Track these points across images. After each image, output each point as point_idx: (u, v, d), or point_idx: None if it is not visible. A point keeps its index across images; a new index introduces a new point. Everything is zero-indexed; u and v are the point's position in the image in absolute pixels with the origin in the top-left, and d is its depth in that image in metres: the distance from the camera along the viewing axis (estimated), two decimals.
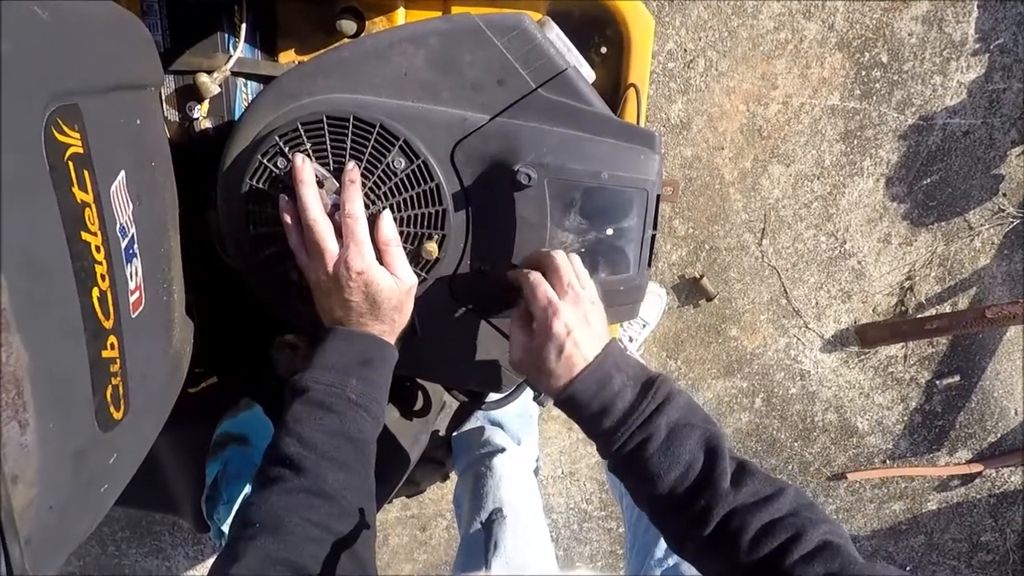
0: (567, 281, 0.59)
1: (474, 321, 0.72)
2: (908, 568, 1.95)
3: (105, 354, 0.45)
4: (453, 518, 1.67)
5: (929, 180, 1.52)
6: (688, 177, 1.49)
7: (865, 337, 1.63)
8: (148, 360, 0.55)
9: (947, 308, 1.63)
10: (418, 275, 0.66)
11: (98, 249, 0.42)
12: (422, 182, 0.64)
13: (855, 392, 1.71)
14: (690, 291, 1.58)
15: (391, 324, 0.63)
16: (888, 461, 1.78)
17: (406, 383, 0.90)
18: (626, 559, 0.99)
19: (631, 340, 1.51)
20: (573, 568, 1.84)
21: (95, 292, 0.42)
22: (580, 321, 0.58)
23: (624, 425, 0.55)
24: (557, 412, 1.70)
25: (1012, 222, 1.56)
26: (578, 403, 0.57)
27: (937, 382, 1.71)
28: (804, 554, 0.47)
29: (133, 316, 0.50)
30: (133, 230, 0.50)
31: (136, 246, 0.51)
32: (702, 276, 1.55)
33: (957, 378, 1.71)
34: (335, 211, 0.61)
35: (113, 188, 0.46)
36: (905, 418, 1.74)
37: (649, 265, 0.70)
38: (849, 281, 1.60)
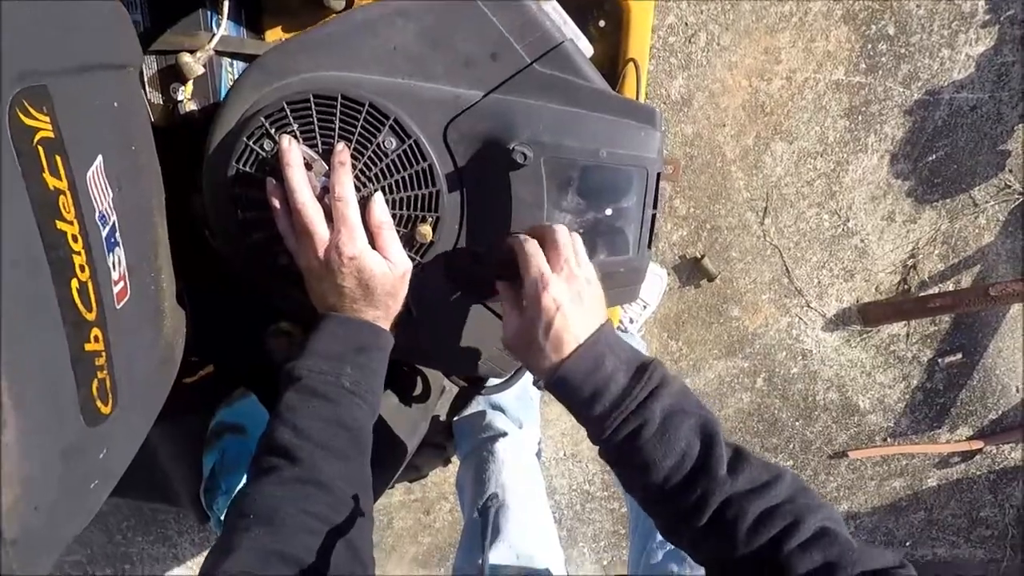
0: (564, 257, 0.57)
1: (471, 305, 0.70)
2: (908, 544, 1.97)
3: (88, 347, 0.43)
4: (457, 501, 1.67)
5: (934, 156, 1.50)
6: (689, 155, 1.47)
7: (867, 316, 1.61)
8: (136, 352, 0.53)
9: (950, 286, 1.61)
10: (412, 259, 0.64)
11: (75, 238, 0.41)
12: (414, 162, 0.62)
13: (857, 371, 1.70)
14: (691, 271, 1.56)
15: (385, 309, 0.61)
16: (889, 439, 1.78)
17: (404, 369, 0.88)
18: (629, 540, 0.99)
19: (632, 322, 1.49)
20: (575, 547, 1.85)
21: (74, 283, 0.41)
22: (572, 298, 0.56)
23: (617, 410, 0.53)
24: None
25: (1018, 199, 1.54)
26: (569, 385, 0.55)
27: (939, 360, 1.70)
28: (802, 542, 0.46)
29: (118, 307, 0.48)
30: (114, 218, 0.48)
31: (118, 234, 0.49)
32: (703, 256, 1.53)
33: (959, 356, 1.70)
34: (325, 194, 0.59)
35: (90, 174, 0.44)
36: (907, 396, 1.74)
37: (649, 246, 0.68)
38: (852, 260, 1.58)
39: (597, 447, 0.57)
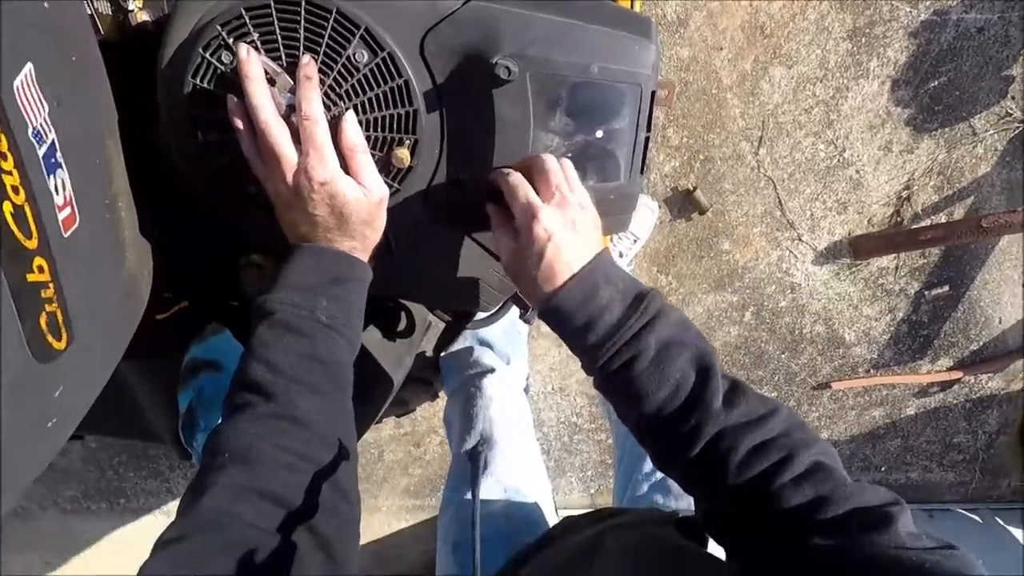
0: (554, 183, 0.54)
1: (454, 236, 0.67)
2: (883, 469, 2.04)
3: (32, 278, 0.39)
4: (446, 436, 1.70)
5: (937, 82, 1.44)
6: (684, 81, 1.40)
7: (858, 248, 1.60)
8: (93, 284, 0.50)
9: (943, 218, 1.59)
10: (389, 186, 0.60)
11: (3, 156, 0.36)
12: (388, 79, 0.56)
13: (844, 304, 1.70)
14: (683, 204, 1.52)
15: (362, 240, 0.58)
16: (872, 370, 1.81)
17: (387, 303, 0.86)
18: (614, 472, 1.00)
19: (621, 256, 1.47)
20: (563, 476, 1.90)
21: (6, 207, 0.37)
22: (564, 226, 0.53)
23: (611, 340, 0.51)
24: (547, 329, 1.69)
25: (1018, 127, 1.50)
26: (562, 315, 0.53)
27: (926, 292, 1.71)
28: (795, 476, 0.45)
29: (65, 235, 0.44)
30: (53, 136, 0.43)
31: (59, 155, 0.44)
32: (695, 188, 1.49)
33: (946, 288, 1.71)
34: (291, 113, 0.54)
35: (17, 83, 0.39)
36: (892, 328, 1.75)
37: (642, 172, 0.64)
38: (846, 192, 1.55)
39: (591, 377, 0.55)
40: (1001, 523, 2.00)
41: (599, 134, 0.60)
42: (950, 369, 1.84)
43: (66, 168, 0.45)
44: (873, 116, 1.46)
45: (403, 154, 0.59)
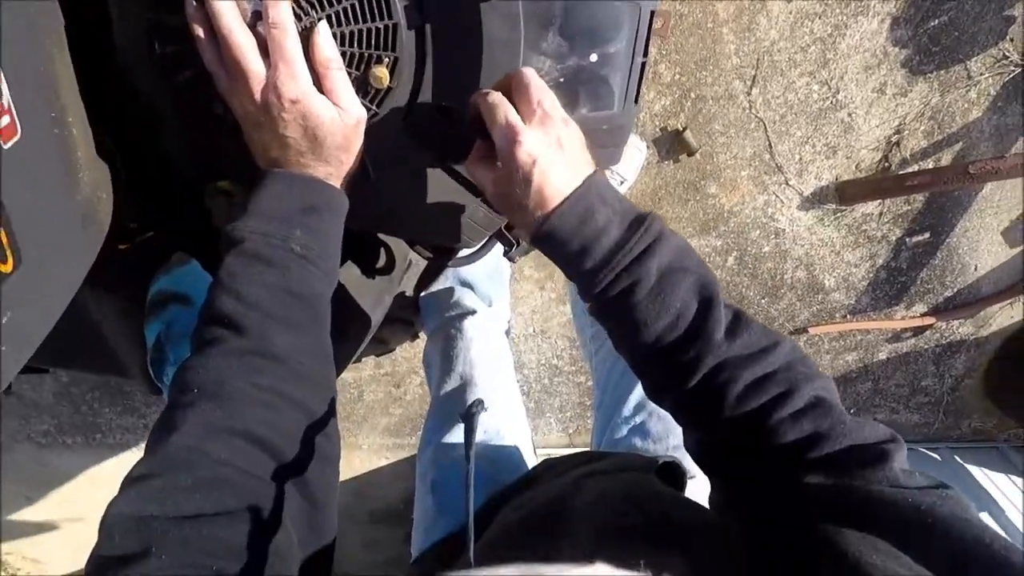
0: (536, 99, 0.50)
1: (437, 167, 0.63)
2: (852, 411, 2.10)
3: None
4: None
5: (937, 21, 1.40)
6: (679, 13, 1.34)
7: (844, 194, 1.59)
8: (42, 204, 0.46)
9: (930, 165, 1.58)
10: (367, 108, 0.56)
11: None
12: None
13: (826, 250, 1.70)
14: (671, 145, 1.48)
15: (337, 166, 0.54)
16: (849, 316, 1.84)
17: (365, 238, 0.82)
18: (593, 415, 1.00)
19: None
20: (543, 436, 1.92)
21: None
22: (550, 146, 0.49)
23: (608, 266, 0.48)
24: (530, 272, 1.67)
25: (1013, 71, 1.47)
26: (556, 240, 0.50)
27: (907, 239, 1.72)
28: (793, 411, 0.44)
29: (6, 147, 0.40)
30: None
31: None
32: (685, 128, 1.45)
33: (927, 235, 1.71)
34: (257, 21, 0.49)
35: None
36: (871, 275, 1.77)
37: (636, 101, 0.61)
38: (836, 135, 1.52)
39: (588, 303, 0.53)
40: (959, 460, 2.10)
41: (593, 58, 0.56)
42: (924, 315, 1.88)
43: (2, 75, 0.40)
44: (870, 56, 1.41)
45: (381, 73, 0.54)
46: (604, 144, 0.62)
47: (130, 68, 0.57)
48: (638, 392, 0.90)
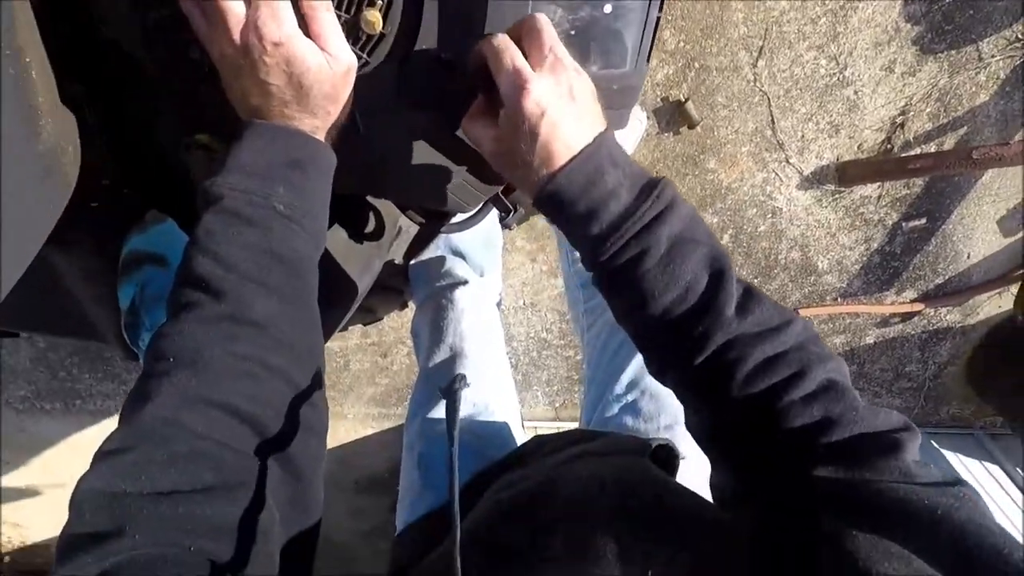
0: (547, 44, 0.45)
1: (431, 124, 0.59)
2: None
3: None
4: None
5: None
6: None
7: (845, 174, 1.56)
8: None
9: (933, 148, 1.55)
10: (357, 56, 0.51)
11: None
12: None
13: (822, 231, 1.68)
14: (673, 116, 1.44)
15: (324, 118, 0.50)
16: (839, 299, 1.83)
17: (353, 201, 0.78)
18: (584, 391, 0.98)
19: None
20: (530, 390, 1.91)
21: None
22: (560, 97, 0.45)
23: (617, 232, 0.45)
24: (522, 243, 1.64)
25: None
26: (561, 201, 0.46)
27: (903, 224, 1.70)
28: (804, 395, 0.41)
29: None
30: None
31: None
32: (687, 99, 1.40)
33: (923, 221, 1.70)
34: None
35: None
36: (864, 259, 1.75)
37: (648, 60, 0.57)
38: (841, 113, 1.48)
39: (591, 273, 0.49)
40: (935, 445, 2.13)
41: (608, 8, 0.51)
42: (913, 301, 1.88)
43: None
44: (881, 32, 1.37)
45: (374, 17, 0.50)
46: (613, 105, 0.58)
47: (100, 9, 0.52)
48: (631, 370, 0.88)
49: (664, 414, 0.82)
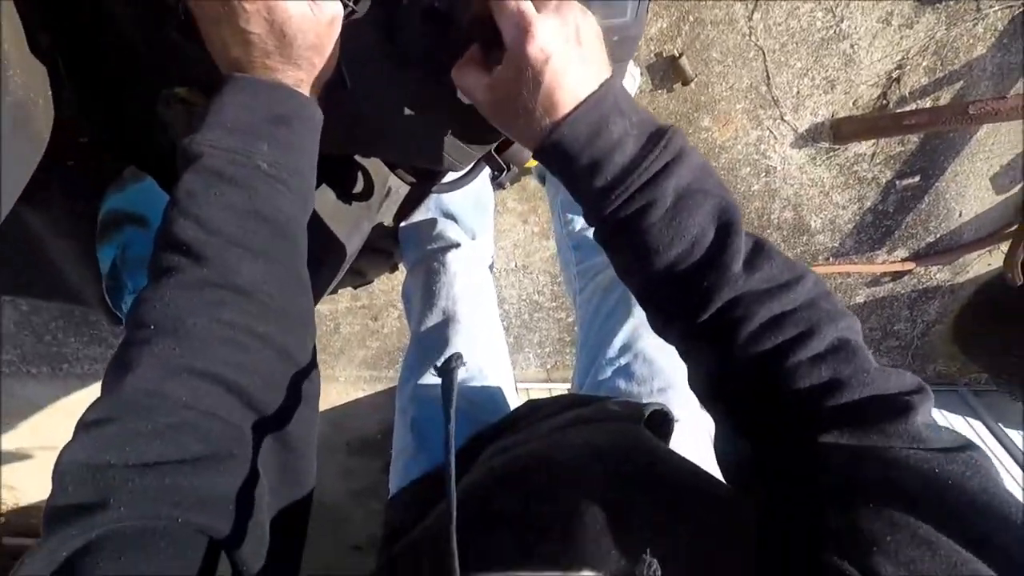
0: None
1: (422, 78, 0.56)
2: None
3: None
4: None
5: None
6: None
7: (840, 132, 1.54)
8: None
9: (928, 103, 1.54)
10: (344, 4, 0.48)
11: None
12: None
13: (815, 190, 1.67)
14: (666, 72, 1.41)
15: (309, 70, 0.47)
16: (832, 258, 1.83)
17: (341, 160, 0.76)
18: (576, 354, 0.98)
19: None
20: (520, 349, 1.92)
21: None
22: (567, 40, 0.43)
23: (622, 185, 0.43)
24: (514, 204, 1.62)
25: (1023, 6, 1.41)
26: (565, 152, 0.44)
27: (897, 182, 1.69)
28: (814, 354, 0.40)
29: None
30: None
31: None
32: (681, 55, 1.37)
33: (917, 179, 1.69)
34: None
35: None
36: (857, 217, 1.75)
37: (647, 9, 0.54)
38: (836, 68, 1.46)
39: (593, 227, 0.48)
40: None
41: None
42: (904, 260, 1.89)
43: None
44: None
45: None
46: (612, 58, 0.56)
47: None
48: (623, 333, 0.87)
49: (657, 378, 0.82)
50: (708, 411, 0.48)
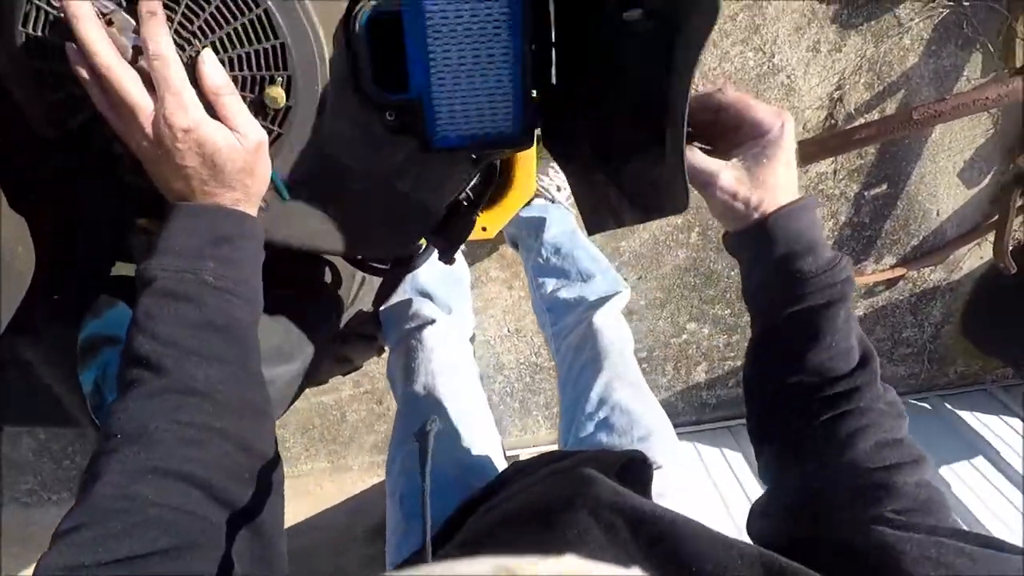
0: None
1: (360, 177, 0.62)
2: None
3: None
4: None
5: None
6: None
7: (796, 156, 1.59)
8: None
9: (876, 116, 1.59)
10: (269, 130, 0.55)
11: None
12: (245, 10, 0.51)
13: None
14: None
15: (244, 190, 0.53)
16: None
17: (307, 258, 0.82)
18: (560, 417, 1.00)
19: (559, 189, 1.44)
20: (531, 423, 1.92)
21: None
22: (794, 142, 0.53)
23: (833, 268, 0.49)
24: (496, 272, 1.67)
25: (942, 13, 1.49)
26: (786, 230, 0.50)
27: (865, 193, 1.73)
28: (920, 479, 0.45)
29: None
30: None
31: None
32: None
33: (884, 187, 1.73)
34: (139, 56, 0.49)
35: None
36: (835, 233, 1.78)
37: None
38: (778, 98, 1.53)
39: (782, 304, 0.51)
40: (949, 407, 2.11)
41: None
42: (894, 266, 1.89)
43: None
44: (799, 16, 1.42)
45: (276, 93, 0.54)
46: None
47: (28, 116, 0.56)
48: (598, 387, 0.90)
49: (636, 427, 0.83)
50: (774, 499, 0.52)
